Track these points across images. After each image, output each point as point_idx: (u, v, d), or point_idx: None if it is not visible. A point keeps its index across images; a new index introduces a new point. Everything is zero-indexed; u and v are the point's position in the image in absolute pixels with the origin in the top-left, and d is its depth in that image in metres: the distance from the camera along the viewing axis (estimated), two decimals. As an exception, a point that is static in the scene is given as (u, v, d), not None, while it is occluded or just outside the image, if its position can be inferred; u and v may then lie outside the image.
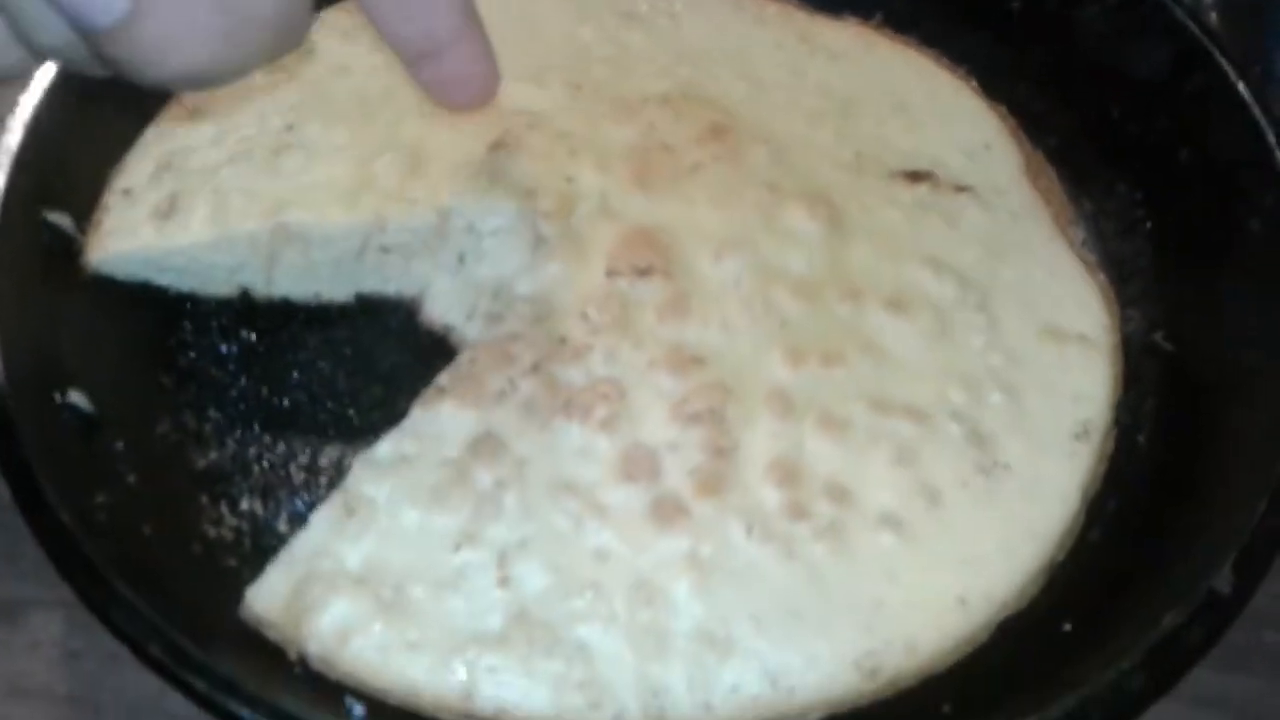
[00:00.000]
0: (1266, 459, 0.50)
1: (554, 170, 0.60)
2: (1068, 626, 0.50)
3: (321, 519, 0.51)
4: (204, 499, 0.56)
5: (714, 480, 0.51)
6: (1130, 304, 0.62)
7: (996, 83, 0.70)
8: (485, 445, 0.52)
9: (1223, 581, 0.46)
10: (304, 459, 0.59)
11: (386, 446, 0.52)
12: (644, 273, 0.57)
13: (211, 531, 0.55)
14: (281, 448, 0.59)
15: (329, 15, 0.65)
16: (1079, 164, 0.67)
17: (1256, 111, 0.59)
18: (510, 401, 0.53)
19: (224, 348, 0.62)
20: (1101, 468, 0.55)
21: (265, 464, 0.58)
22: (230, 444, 0.59)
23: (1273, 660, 0.54)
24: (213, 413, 0.59)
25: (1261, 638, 0.55)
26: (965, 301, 0.59)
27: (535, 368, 0.54)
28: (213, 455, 0.58)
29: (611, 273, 0.57)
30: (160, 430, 0.58)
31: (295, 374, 0.61)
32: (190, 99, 0.64)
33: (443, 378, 0.54)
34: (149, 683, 0.48)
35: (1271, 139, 0.58)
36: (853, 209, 0.62)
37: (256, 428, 0.59)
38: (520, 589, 0.49)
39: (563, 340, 0.55)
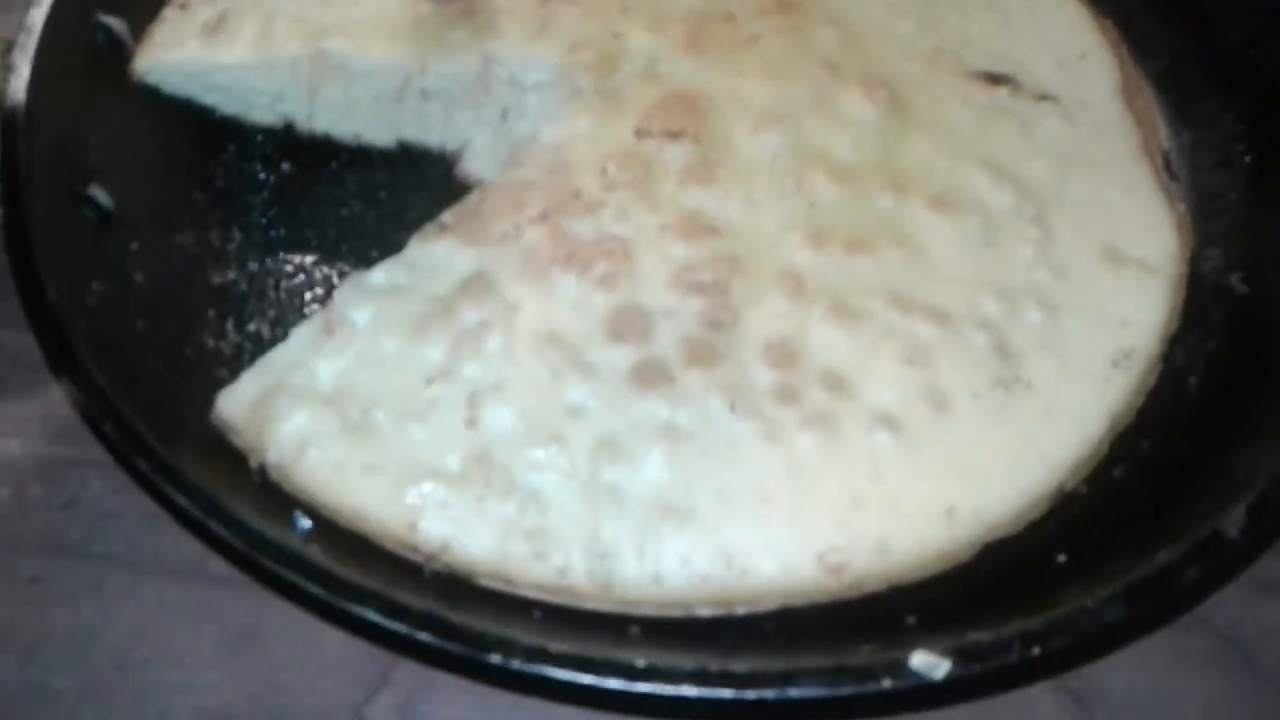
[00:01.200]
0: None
1: (604, 26, 0.58)
2: (1062, 558, 0.46)
3: (301, 334, 0.50)
4: (211, 313, 0.56)
5: (705, 351, 0.49)
6: (1211, 242, 0.57)
7: (1107, -7, 0.64)
8: (477, 284, 0.50)
9: (1231, 524, 0.41)
10: (320, 291, 0.58)
11: (380, 274, 0.51)
12: (674, 136, 0.54)
13: (210, 343, 0.55)
14: (300, 278, 0.59)
15: None
16: (1184, 89, 0.62)
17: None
18: (512, 246, 0.51)
19: (263, 175, 0.62)
20: (1139, 401, 0.51)
21: (281, 291, 0.58)
22: (250, 266, 0.58)
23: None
24: (238, 234, 0.59)
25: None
26: (1020, 211, 0.55)
27: (544, 216, 0.52)
28: (230, 274, 0.58)
29: (641, 132, 0.54)
30: (181, 241, 0.58)
31: (327, 210, 0.61)
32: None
33: (447, 215, 0.53)
34: (189, 545, 0.49)
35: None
36: (918, 101, 0.57)
37: (279, 255, 0.59)
38: (486, 431, 0.48)
39: (577, 193, 0.53)
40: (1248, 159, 0.58)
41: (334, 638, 0.48)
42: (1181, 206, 0.57)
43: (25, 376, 0.54)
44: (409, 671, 0.47)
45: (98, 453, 0.51)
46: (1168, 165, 0.59)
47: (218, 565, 0.49)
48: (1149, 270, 0.53)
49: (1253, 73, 0.59)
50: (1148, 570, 0.41)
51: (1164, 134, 0.61)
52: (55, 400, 0.54)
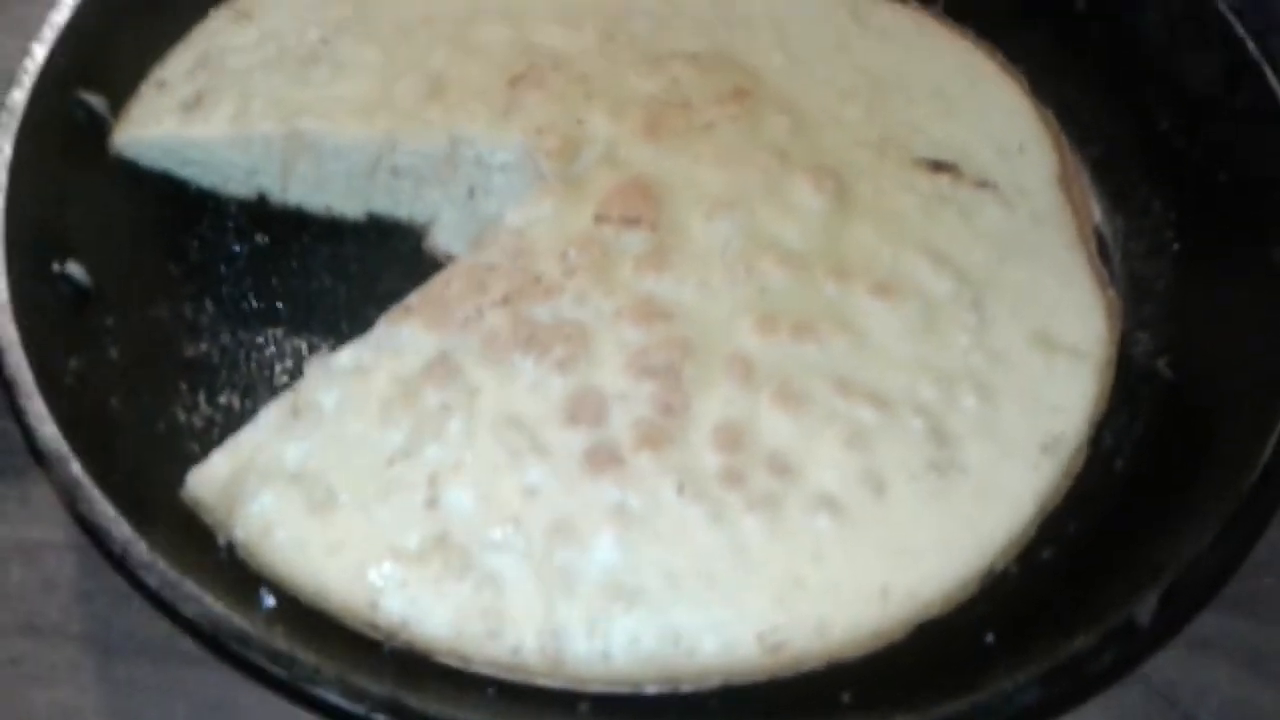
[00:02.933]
0: (1225, 497, 0.47)
1: (567, 112, 0.61)
2: (990, 638, 0.48)
3: (269, 415, 0.52)
4: (183, 385, 0.58)
5: (656, 435, 0.51)
6: (1141, 326, 0.60)
7: (1048, 84, 0.68)
8: (440, 368, 0.52)
9: (1144, 611, 0.44)
10: (290, 363, 0.60)
11: (346, 356, 0.53)
12: (632, 222, 0.57)
13: (182, 416, 0.57)
14: (271, 350, 0.61)
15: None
16: (1119, 177, 0.65)
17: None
18: (474, 330, 0.54)
19: (236, 247, 0.64)
20: (1066, 484, 0.53)
21: (252, 363, 0.60)
22: (222, 338, 0.61)
23: (1272, 604, 0.53)
24: (211, 306, 0.61)
25: (1262, 582, 0.53)
26: (959, 298, 0.57)
27: (505, 300, 0.54)
28: (203, 346, 0.60)
29: (600, 219, 0.57)
30: (155, 314, 0.60)
31: (298, 282, 0.63)
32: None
33: (413, 297, 0.55)
34: (160, 623, 0.51)
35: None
36: (864, 189, 0.60)
37: (251, 327, 0.61)
38: (445, 511, 0.50)
39: (537, 278, 0.55)
40: (1176, 246, 0.61)
41: (305, 713, 0.49)
42: (1113, 291, 0.60)
43: (3, 460, 0.57)
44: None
45: (76, 534, 0.53)
46: (1101, 249, 0.62)
47: (188, 644, 0.51)
48: (1079, 356, 0.56)
49: (1180, 162, 0.62)
50: (1063, 656, 0.44)
51: (1099, 218, 0.64)
52: (30, 483, 0.56)
